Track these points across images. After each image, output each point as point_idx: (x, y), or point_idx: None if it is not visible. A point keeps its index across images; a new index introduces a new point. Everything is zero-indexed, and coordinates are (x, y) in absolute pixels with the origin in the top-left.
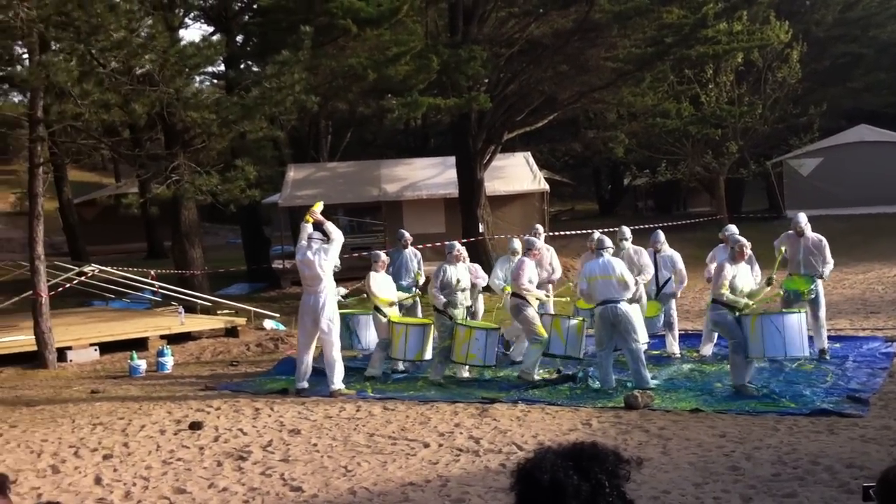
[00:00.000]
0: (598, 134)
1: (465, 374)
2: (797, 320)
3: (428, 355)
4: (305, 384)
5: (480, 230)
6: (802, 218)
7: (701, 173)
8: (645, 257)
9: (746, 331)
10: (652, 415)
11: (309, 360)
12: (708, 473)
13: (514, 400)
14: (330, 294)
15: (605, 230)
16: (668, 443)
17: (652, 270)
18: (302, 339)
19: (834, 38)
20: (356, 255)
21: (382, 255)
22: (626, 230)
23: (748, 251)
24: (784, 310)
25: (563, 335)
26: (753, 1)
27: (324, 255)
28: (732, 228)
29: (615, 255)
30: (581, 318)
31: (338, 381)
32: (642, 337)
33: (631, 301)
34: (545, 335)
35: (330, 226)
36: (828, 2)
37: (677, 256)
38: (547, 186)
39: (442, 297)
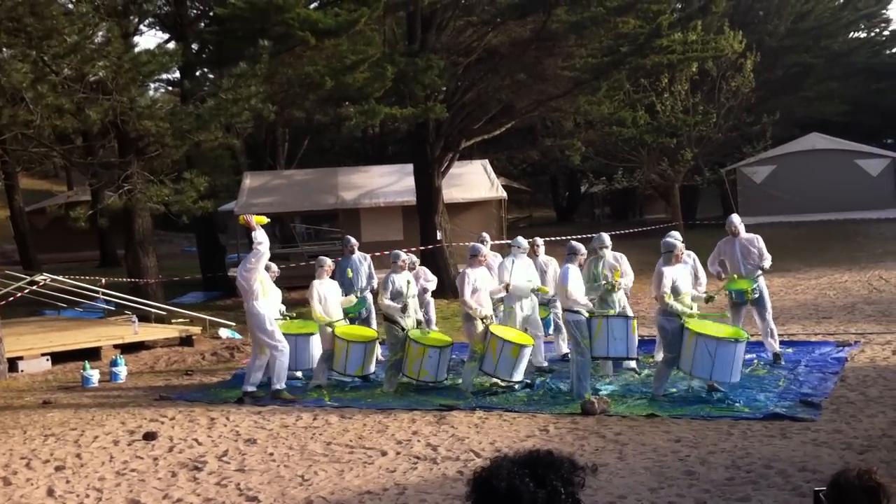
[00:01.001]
0: (555, 142)
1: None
2: (732, 351)
3: (371, 369)
4: (249, 387)
5: (438, 237)
6: (735, 218)
7: (656, 181)
8: (626, 263)
9: (682, 343)
10: (608, 420)
11: (255, 365)
12: (663, 478)
13: (472, 407)
14: (256, 303)
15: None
16: (625, 448)
17: (632, 275)
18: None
19: (786, 48)
20: (313, 262)
21: (328, 262)
22: (606, 237)
23: (682, 254)
24: (723, 336)
25: (495, 355)
26: (708, 11)
27: (244, 264)
28: (675, 235)
29: (595, 262)
30: (517, 345)
31: (275, 379)
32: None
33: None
34: (479, 351)
35: (257, 234)
36: (781, 12)
37: (622, 257)
38: (504, 194)
39: (395, 304)
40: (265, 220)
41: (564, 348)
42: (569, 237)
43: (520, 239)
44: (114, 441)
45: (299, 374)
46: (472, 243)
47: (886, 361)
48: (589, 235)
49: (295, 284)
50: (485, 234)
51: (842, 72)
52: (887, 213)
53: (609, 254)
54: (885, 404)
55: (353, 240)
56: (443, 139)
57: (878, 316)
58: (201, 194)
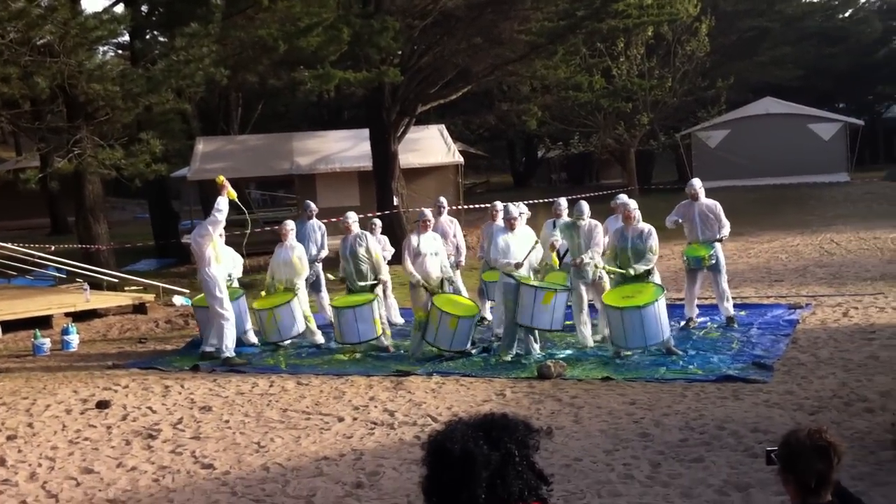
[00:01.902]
0: (511, 107)
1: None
2: (638, 316)
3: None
4: (206, 347)
5: (395, 203)
6: (696, 182)
7: (612, 145)
8: (599, 232)
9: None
10: (564, 384)
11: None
12: (618, 440)
13: (429, 372)
14: (208, 269)
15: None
16: (580, 411)
17: (603, 245)
18: None
19: (741, 12)
20: (268, 228)
21: (289, 224)
22: (585, 206)
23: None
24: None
25: (436, 325)
26: None
27: (198, 230)
28: (623, 198)
29: (574, 231)
30: (455, 316)
31: (223, 346)
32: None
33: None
34: (420, 318)
35: (221, 200)
36: None
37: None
38: (461, 159)
39: (415, 271)
40: (234, 194)
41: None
42: (526, 202)
43: (562, 201)
44: (66, 410)
45: (287, 342)
46: (422, 209)
47: (837, 323)
48: (546, 200)
49: (250, 251)
50: (442, 198)
51: (795, 36)
52: (838, 177)
53: (587, 222)
54: (836, 366)
55: (313, 205)
56: (399, 104)
57: (829, 279)
58: (155, 157)
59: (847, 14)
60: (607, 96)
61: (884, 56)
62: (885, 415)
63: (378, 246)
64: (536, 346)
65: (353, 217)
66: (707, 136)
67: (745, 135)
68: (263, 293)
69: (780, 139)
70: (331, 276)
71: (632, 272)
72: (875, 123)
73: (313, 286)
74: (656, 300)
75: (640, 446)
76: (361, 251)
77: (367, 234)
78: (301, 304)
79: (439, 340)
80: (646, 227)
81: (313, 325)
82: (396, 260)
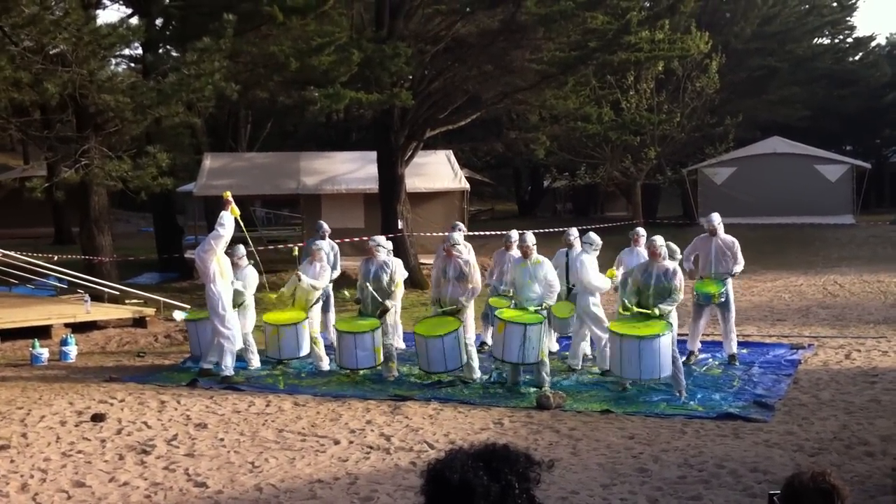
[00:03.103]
0: (519, 135)
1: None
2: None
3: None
4: (205, 364)
5: (399, 226)
6: (716, 217)
7: (619, 178)
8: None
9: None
10: (563, 415)
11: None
12: (616, 475)
13: (427, 398)
14: (213, 285)
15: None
16: (578, 443)
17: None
18: None
19: (752, 50)
20: (272, 246)
21: (319, 243)
22: (574, 231)
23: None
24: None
25: (423, 351)
26: (676, 10)
27: (202, 245)
28: (641, 231)
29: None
30: (438, 337)
31: (223, 364)
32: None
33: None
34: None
35: (224, 215)
36: (747, 15)
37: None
38: (467, 185)
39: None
40: (237, 212)
41: (589, 349)
42: (531, 231)
43: (592, 235)
44: (61, 422)
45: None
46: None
47: (839, 365)
48: (551, 230)
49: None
50: (459, 223)
51: (805, 77)
52: (844, 219)
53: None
54: (837, 408)
55: (325, 225)
56: (407, 128)
57: (831, 320)
58: (162, 171)
59: (857, 57)
60: (615, 129)
61: (892, 100)
62: (886, 459)
63: (403, 274)
64: (547, 378)
65: (382, 241)
66: (714, 172)
67: (752, 173)
68: (273, 296)
69: (787, 179)
70: (347, 294)
71: (657, 312)
72: (882, 167)
73: (323, 306)
74: (660, 335)
75: (637, 482)
76: (385, 278)
77: (396, 260)
78: (311, 326)
79: (433, 366)
80: (671, 265)
81: (321, 350)
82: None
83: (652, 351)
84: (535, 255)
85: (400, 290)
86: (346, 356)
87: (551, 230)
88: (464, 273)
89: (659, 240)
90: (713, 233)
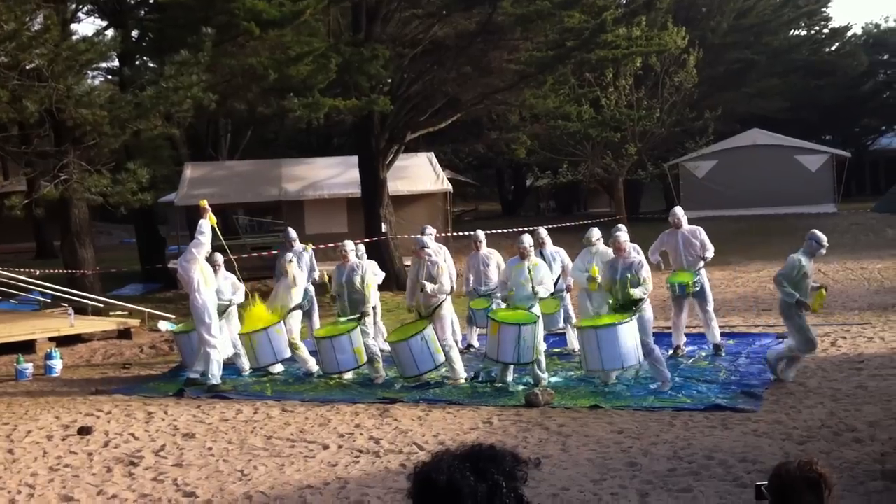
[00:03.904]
0: (500, 135)
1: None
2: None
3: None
4: (191, 373)
5: (383, 230)
6: (678, 210)
7: (600, 175)
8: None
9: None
10: (552, 412)
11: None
12: (606, 469)
13: (416, 400)
14: (197, 294)
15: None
16: (568, 440)
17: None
18: None
19: (729, 44)
20: (255, 254)
21: (287, 256)
22: (596, 231)
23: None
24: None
25: (397, 359)
26: (652, 7)
27: (184, 255)
28: (621, 227)
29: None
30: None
31: (209, 373)
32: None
33: None
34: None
35: (203, 223)
36: (723, 9)
37: (563, 252)
38: (450, 186)
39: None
40: (215, 219)
41: (576, 343)
42: (514, 230)
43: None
44: (47, 436)
45: (277, 369)
46: (416, 236)
47: (825, 353)
48: (534, 228)
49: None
50: (428, 226)
51: (782, 68)
52: (826, 208)
53: (601, 247)
54: (824, 395)
55: (292, 232)
56: (388, 131)
57: None
58: (141, 186)
59: (834, 48)
60: (596, 126)
61: (870, 89)
62: (874, 445)
63: (373, 277)
64: (544, 375)
65: (350, 246)
66: (695, 166)
67: (733, 165)
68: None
69: (768, 170)
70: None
71: (636, 294)
72: (861, 155)
73: (306, 312)
74: (618, 323)
75: (627, 476)
76: (357, 281)
77: (365, 263)
78: (289, 331)
79: (407, 371)
80: (637, 258)
81: (304, 353)
82: (385, 286)
83: (610, 340)
84: (532, 258)
85: (373, 292)
86: (326, 361)
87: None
88: (431, 275)
89: (622, 234)
90: (677, 226)
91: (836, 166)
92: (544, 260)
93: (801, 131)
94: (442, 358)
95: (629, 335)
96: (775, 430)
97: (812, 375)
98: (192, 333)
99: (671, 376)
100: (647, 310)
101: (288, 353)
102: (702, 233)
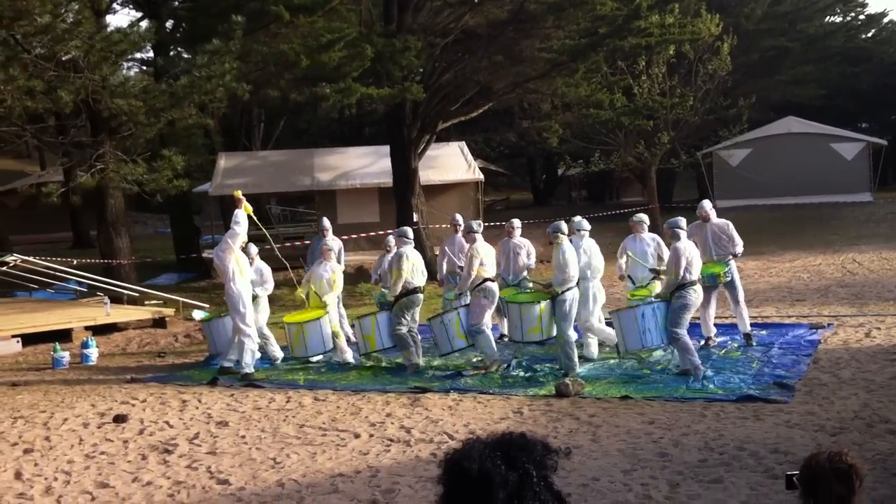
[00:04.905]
0: (532, 124)
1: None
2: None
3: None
4: (225, 362)
5: (415, 219)
6: (706, 203)
7: (633, 164)
8: (663, 247)
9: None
10: (582, 402)
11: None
12: (636, 460)
13: (446, 389)
14: (232, 284)
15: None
16: (598, 430)
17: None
18: None
19: (763, 31)
20: (288, 244)
21: (329, 243)
22: (644, 217)
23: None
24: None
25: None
26: None
27: (220, 245)
28: (643, 217)
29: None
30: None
31: (243, 362)
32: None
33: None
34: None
35: (238, 213)
36: None
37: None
38: (481, 176)
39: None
40: (250, 209)
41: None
42: (546, 220)
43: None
44: (83, 424)
45: (314, 359)
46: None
47: (859, 344)
48: (567, 218)
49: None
50: (458, 216)
51: (817, 55)
52: (861, 197)
53: (648, 236)
54: (858, 386)
55: (326, 222)
56: (419, 121)
57: (851, 299)
58: (177, 173)
59: (870, 34)
60: (628, 114)
61: None
62: None
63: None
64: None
65: (392, 241)
66: (729, 154)
67: (767, 154)
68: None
69: (803, 158)
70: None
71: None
72: None
73: None
74: (536, 302)
75: (658, 466)
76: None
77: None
78: (331, 321)
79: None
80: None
81: (343, 343)
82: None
83: (531, 316)
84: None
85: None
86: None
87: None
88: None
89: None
90: (706, 219)
91: (873, 154)
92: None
93: (837, 119)
94: (462, 343)
95: (547, 311)
96: (808, 422)
97: (845, 366)
98: (218, 320)
99: (704, 367)
100: (681, 297)
101: (332, 345)
102: (731, 228)
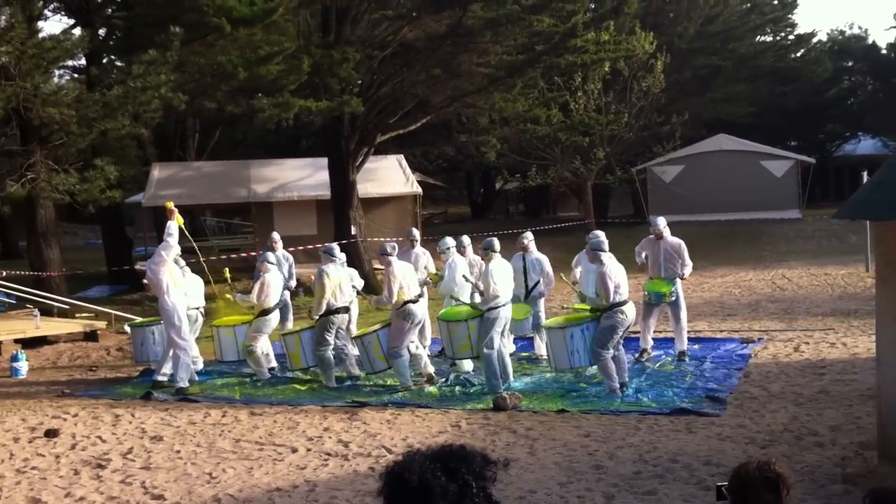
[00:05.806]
0: (470, 138)
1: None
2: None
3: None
4: (159, 376)
5: (353, 232)
6: (661, 221)
7: (569, 179)
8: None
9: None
10: (520, 416)
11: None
12: (572, 472)
13: (384, 403)
14: (166, 297)
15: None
16: (535, 443)
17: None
18: None
19: (696, 49)
20: (224, 256)
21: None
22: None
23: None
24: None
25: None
26: (620, 12)
27: (153, 257)
28: (598, 234)
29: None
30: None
31: (177, 376)
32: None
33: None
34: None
35: (171, 225)
36: (690, 15)
37: (545, 259)
38: (420, 189)
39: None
40: (181, 221)
41: (543, 349)
42: (485, 234)
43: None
44: (14, 438)
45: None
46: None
47: (788, 358)
48: (504, 232)
49: (206, 279)
50: (414, 230)
51: (748, 74)
52: (790, 214)
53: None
54: (787, 400)
55: (276, 236)
56: (358, 133)
57: (780, 314)
58: (110, 183)
59: (799, 54)
60: (564, 130)
61: (834, 95)
62: (835, 449)
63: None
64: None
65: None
66: (662, 170)
67: (700, 170)
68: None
69: (734, 175)
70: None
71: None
72: (825, 161)
73: (280, 314)
74: (464, 319)
75: (594, 479)
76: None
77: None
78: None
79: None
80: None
81: (258, 359)
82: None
83: (459, 335)
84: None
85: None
86: (227, 350)
87: (505, 232)
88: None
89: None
90: (659, 237)
91: (801, 172)
92: (525, 265)
93: (767, 137)
94: (383, 365)
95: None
96: (739, 434)
97: (775, 380)
98: (145, 328)
99: (638, 380)
100: (610, 317)
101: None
102: (683, 248)
